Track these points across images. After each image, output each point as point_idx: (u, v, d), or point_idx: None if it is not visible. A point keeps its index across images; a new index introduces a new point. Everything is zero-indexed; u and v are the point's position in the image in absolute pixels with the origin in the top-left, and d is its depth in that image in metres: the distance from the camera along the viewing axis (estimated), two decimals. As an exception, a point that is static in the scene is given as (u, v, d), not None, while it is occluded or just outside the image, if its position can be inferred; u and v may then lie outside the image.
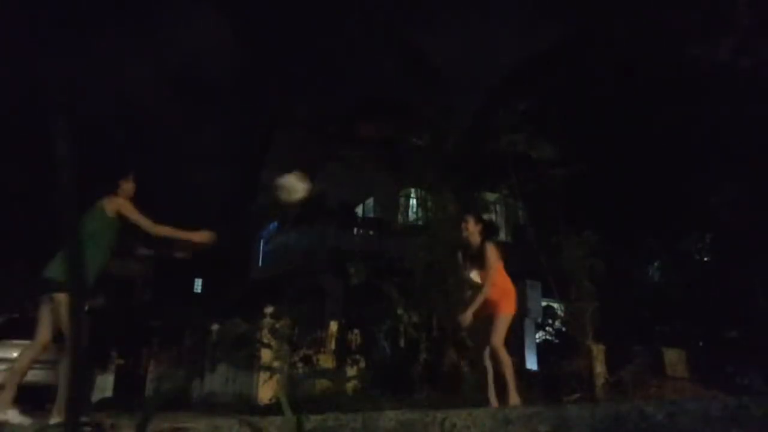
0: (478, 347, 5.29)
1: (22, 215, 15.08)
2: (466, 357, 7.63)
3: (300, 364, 9.03)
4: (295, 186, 4.83)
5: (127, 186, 4.44)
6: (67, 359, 3.85)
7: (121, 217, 4.30)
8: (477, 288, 5.20)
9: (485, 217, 7.02)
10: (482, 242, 5.26)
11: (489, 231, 5.64)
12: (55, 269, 4.05)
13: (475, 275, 5.32)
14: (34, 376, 9.68)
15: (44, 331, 4.05)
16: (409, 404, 6.16)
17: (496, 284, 5.12)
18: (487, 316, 5.09)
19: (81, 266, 0.95)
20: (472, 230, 5.33)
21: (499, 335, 5.00)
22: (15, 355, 9.98)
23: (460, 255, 5.58)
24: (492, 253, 5.15)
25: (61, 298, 3.89)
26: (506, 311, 5.11)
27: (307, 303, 9.77)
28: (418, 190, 10.81)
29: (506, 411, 2.61)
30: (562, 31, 11.89)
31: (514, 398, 4.90)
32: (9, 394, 3.87)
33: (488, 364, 5.11)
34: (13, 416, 3.75)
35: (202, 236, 4.47)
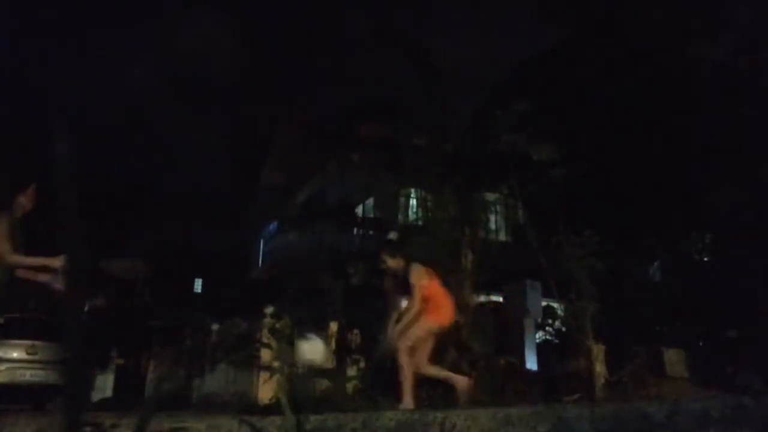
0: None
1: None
2: (465, 357, 7.62)
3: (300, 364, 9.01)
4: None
5: (24, 200, 4.17)
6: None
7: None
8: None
9: (486, 214, 6.98)
10: (406, 267, 5.23)
11: (407, 253, 5.54)
12: None
13: (405, 301, 5.32)
14: (34, 376, 9.72)
15: None
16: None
17: (425, 298, 5.09)
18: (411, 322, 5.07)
19: (81, 265, 0.95)
20: (393, 264, 5.30)
21: (407, 338, 4.94)
22: (15, 355, 10.00)
23: (391, 285, 5.56)
24: (415, 274, 5.12)
25: None
26: (430, 319, 5.09)
27: (307, 303, 9.75)
28: (418, 190, 10.80)
29: (506, 411, 2.61)
30: (561, 31, 11.89)
31: (407, 402, 4.80)
32: None
33: (405, 362, 5.01)
34: None
35: (56, 261, 4.14)
